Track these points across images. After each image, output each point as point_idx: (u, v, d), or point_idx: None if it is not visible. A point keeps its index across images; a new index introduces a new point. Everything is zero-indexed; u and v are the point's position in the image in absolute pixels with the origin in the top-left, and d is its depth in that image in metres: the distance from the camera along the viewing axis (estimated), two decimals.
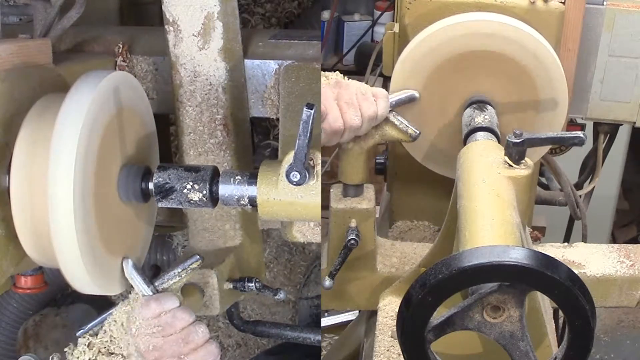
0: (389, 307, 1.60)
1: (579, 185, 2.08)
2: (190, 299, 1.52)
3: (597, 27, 1.69)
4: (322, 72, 1.51)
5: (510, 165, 1.28)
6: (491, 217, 1.18)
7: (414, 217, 1.89)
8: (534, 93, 1.55)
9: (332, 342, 2.66)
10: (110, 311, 1.41)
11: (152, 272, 2.66)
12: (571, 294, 0.96)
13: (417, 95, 1.56)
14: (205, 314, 1.66)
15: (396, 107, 1.53)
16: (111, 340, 1.39)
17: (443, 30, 1.52)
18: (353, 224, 1.58)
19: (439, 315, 1.01)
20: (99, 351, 1.39)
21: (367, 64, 2.77)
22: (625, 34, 1.69)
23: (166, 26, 1.62)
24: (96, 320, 1.43)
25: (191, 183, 1.39)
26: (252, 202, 1.38)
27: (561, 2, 1.58)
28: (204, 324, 1.39)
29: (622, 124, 1.86)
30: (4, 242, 1.32)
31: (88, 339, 1.41)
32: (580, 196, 1.98)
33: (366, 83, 1.57)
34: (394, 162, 1.85)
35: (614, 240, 3.46)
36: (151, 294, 1.38)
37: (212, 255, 1.71)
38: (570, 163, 2.17)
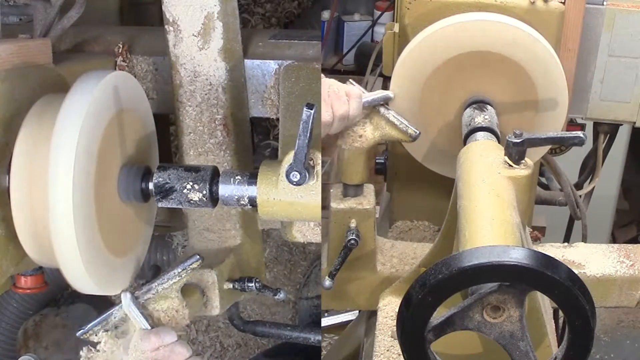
0: (389, 307, 1.60)
1: (579, 185, 2.08)
2: (190, 299, 1.52)
3: (597, 27, 1.69)
4: None
5: (510, 165, 1.28)
6: (491, 217, 1.18)
7: (414, 217, 1.89)
8: (534, 93, 1.55)
9: (332, 342, 2.65)
10: (110, 311, 1.41)
11: (152, 272, 2.66)
12: (571, 294, 0.96)
13: (391, 95, 1.56)
14: (205, 314, 1.66)
15: (370, 107, 1.53)
16: None
17: (443, 30, 1.53)
18: (353, 224, 1.57)
19: (439, 315, 1.01)
20: None
21: (367, 64, 2.77)
22: (625, 34, 1.69)
23: (166, 26, 1.62)
24: (96, 321, 1.42)
25: (191, 183, 1.39)
26: (252, 202, 1.38)
27: (561, 2, 1.58)
28: (199, 358, 1.40)
29: (622, 124, 1.86)
30: (4, 242, 1.32)
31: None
32: (580, 196, 1.98)
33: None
34: (394, 162, 1.85)
35: (614, 240, 3.46)
36: (149, 327, 1.38)
37: (212, 255, 1.71)
38: (570, 163, 2.17)
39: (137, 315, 1.39)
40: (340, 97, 1.46)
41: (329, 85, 1.48)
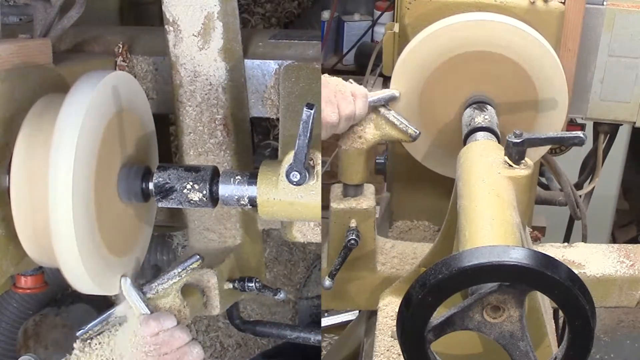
0: (389, 307, 1.60)
1: (579, 185, 2.08)
2: (190, 299, 1.52)
3: (597, 27, 1.69)
4: None
5: (510, 165, 1.28)
6: (491, 217, 1.18)
7: (414, 217, 1.89)
8: (534, 93, 1.55)
9: (332, 342, 2.66)
10: (110, 311, 1.42)
11: (152, 272, 2.66)
12: (571, 294, 0.96)
13: (397, 94, 1.55)
14: (205, 314, 1.66)
15: (376, 106, 1.53)
16: (111, 351, 1.39)
17: (443, 30, 1.52)
18: (353, 224, 1.57)
19: (439, 315, 1.01)
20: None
21: (367, 64, 2.76)
22: (625, 34, 1.69)
23: (166, 26, 1.62)
24: (96, 320, 1.43)
25: (191, 183, 1.39)
26: (252, 202, 1.38)
27: (561, 2, 1.58)
28: (199, 344, 1.40)
29: (622, 124, 1.86)
30: (4, 242, 1.32)
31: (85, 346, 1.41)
32: (580, 196, 1.97)
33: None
34: (394, 162, 1.85)
35: (614, 240, 3.46)
36: (149, 312, 1.38)
37: (212, 255, 1.71)
38: (570, 163, 2.17)
39: (137, 300, 1.39)
40: (346, 97, 1.46)
41: (335, 85, 1.47)
